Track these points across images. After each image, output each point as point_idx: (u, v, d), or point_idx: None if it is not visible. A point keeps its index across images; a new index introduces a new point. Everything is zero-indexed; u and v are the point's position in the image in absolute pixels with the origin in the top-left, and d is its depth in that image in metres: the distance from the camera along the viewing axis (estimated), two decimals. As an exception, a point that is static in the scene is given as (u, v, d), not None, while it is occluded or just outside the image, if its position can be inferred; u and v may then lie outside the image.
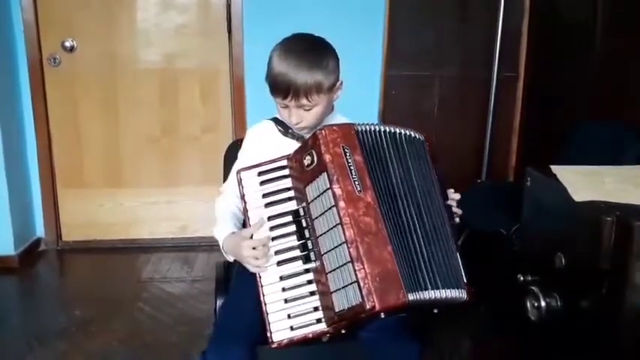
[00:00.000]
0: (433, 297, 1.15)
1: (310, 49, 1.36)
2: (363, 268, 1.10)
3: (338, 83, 1.40)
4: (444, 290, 1.16)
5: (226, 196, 1.48)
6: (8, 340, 2.26)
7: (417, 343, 1.32)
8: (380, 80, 3.00)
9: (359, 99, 2.88)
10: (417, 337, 1.33)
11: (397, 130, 1.27)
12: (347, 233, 1.13)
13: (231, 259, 1.39)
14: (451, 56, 3.03)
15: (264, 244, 1.26)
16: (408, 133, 1.28)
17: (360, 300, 1.10)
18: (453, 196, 1.35)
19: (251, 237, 1.28)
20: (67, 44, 2.91)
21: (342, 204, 1.15)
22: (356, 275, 1.11)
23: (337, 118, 1.50)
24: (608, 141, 2.01)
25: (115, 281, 2.77)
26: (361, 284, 1.10)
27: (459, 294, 1.18)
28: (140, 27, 2.96)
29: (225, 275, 1.59)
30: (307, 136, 1.43)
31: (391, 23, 2.93)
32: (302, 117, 1.38)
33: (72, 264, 3.07)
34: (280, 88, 1.33)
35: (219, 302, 1.50)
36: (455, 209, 1.34)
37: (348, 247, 1.12)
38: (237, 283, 1.47)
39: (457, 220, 1.35)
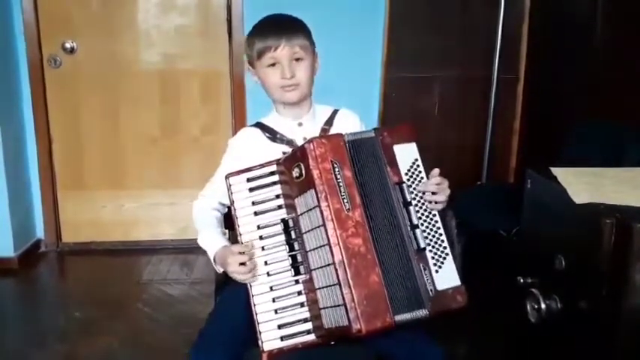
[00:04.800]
0: (422, 315, 1.15)
1: (283, 15, 1.42)
2: (350, 292, 1.10)
3: (316, 50, 1.42)
4: (417, 311, 1.14)
5: (205, 199, 1.48)
6: (8, 341, 2.26)
7: (439, 347, 1.29)
8: (380, 82, 3.00)
9: (359, 100, 2.88)
10: (438, 342, 1.29)
11: (361, 136, 1.23)
12: (335, 255, 1.12)
13: (220, 270, 1.38)
14: (451, 57, 3.02)
15: (250, 259, 1.25)
16: (363, 137, 1.23)
17: (347, 323, 1.10)
18: (433, 181, 1.24)
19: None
20: (68, 45, 2.92)
21: (330, 225, 1.13)
22: (343, 298, 1.10)
23: (319, 110, 1.48)
24: (609, 142, 2.00)
25: (115, 283, 2.77)
26: (348, 307, 1.10)
27: (421, 313, 1.15)
28: (140, 28, 2.97)
29: (225, 277, 1.59)
30: (293, 136, 1.40)
31: (391, 25, 2.93)
32: (294, 71, 1.36)
33: (72, 266, 3.07)
34: (271, 38, 1.34)
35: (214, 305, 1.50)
36: (436, 196, 1.23)
37: (336, 269, 1.12)
38: (230, 288, 1.47)
39: (439, 206, 1.24)
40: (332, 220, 1.13)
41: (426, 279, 1.17)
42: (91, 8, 2.92)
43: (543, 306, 1.35)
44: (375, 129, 1.26)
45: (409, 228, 1.19)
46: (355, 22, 2.89)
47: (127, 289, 2.68)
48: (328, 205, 1.14)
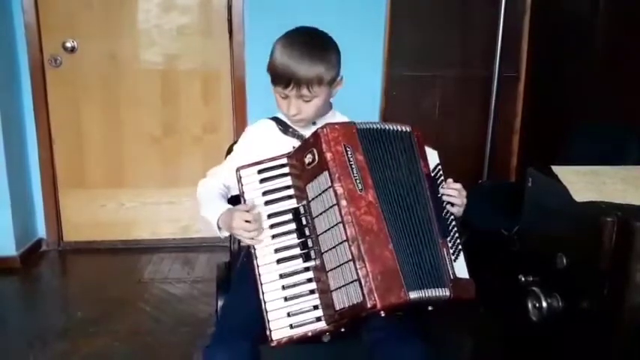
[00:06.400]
0: (434, 295, 1.16)
1: (313, 42, 1.38)
2: (365, 267, 1.11)
3: (338, 78, 1.42)
4: (439, 289, 1.17)
5: (213, 178, 1.49)
6: (10, 340, 2.27)
7: (422, 343, 1.31)
8: (381, 80, 3.00)
9: (360, 99, 2.88)
10: (421, 338, 1.32)
11: (390, 127, 1.28)
12: (348, 232, 1.14)
13: (224, 234, 1.38)
14: (452, 56, 3.03)
15: (256, 220, 1.27)
16: (396, 129, 1.28)
17: (362, 298, 1.10)
18: (453, 185, 1.32)
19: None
20: (68, 45, 2.92)
21: (343, 202, 1.15)
22: (357, 274, 1.11)
23: (338, 117, 1.51)
24: (609, 141, 2.00)
25: (116, 282, 2.77)
26: (362, 282, 1.10)
27: (442, 292, 1.18)
28: (141, 28, 2.97)
29: (226, 276, 1.59)
30: (305, 132, 1.44)
31: (392, 23, 2.93)
32: (301, 109, 1.38)
33: (73, 264, 3.07)
34: (282, 78, 1.35)
35: (220, 303, 1.50)
36: (454, 199, 1.31)
37: (350, 246, 1.13)
38: (238, 283, 1.48)
39: (457, 210, 1.32)
40: (345, 198, 1.16)
41: (448, 263, 1.22)
42: (92, 8, 2.91)
43: (544, 304, 1.35)
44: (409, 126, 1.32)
45: (435, 215, 1.25)
46: (356, 21, 2.89)
47: (128, 288, 2.69)
48: (342, 185, 1.17)
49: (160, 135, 3.08)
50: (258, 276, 1.26)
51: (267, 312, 1.23)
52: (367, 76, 2.97)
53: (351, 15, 2.88)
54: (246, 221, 1.27)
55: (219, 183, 1.48)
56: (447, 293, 1.18)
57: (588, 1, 2.46)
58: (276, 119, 1.50)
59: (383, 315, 1.12)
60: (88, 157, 3.08)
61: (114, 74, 2.99)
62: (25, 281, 2.82)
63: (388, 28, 2.93)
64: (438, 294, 1.17)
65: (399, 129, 1.29)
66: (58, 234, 3.12)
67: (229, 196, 1.48)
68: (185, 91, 3.05)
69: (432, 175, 1.30)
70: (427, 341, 1.32)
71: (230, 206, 1.38)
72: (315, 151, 1.22)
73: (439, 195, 1.30)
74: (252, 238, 1.28)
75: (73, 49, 2.93)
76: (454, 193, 1.31)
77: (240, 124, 2.98)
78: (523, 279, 1.44)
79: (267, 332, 1.22)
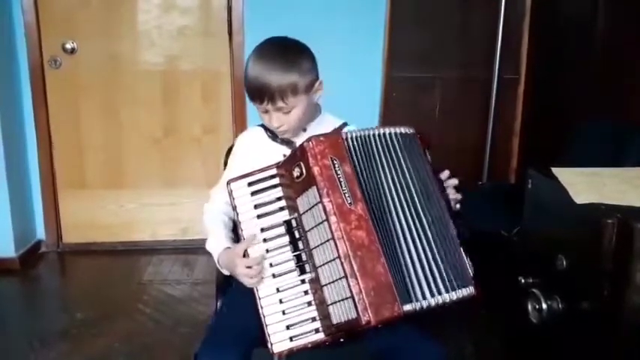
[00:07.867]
0: (432, 304, 1.15)
1: (282, 51, 1.35)
2: (357, 284, 1.10)
3: (317, 84, 1.38)
4: (444, 295, 1.16)
5: (215, 202, 1.47)
6: (9, 341, 2.26)
7: (441, 346, 1.30)
8: (381, 82, 3.00)
9: (360, 101, 2.89)
10: (440, 340, 1.31)
11: (386, 131, 1.25)
12: (340, 248, 1.12)
13: (227, 272, 1.38)
14: (452, 58, 3.03)
15: (258, 263, 1.25)
16: (397, 131, 1.25)
17: (356, 315, 1.10)
18: (449, 182, 1.31)
19: (245, 254, 1.28)
20: (68, 46, 2.92)
21: (333, 219, 1.14)
22: (350, 291, 1.10)
23: (327, 119, 1.48)
24: (609, 141, 2.00)
25: (116, 283, 2.77)
26: (356, 299, 1.10)
27: (465, 293, 1.17)
28: (141, 29, 2.97)
29: (226, 278, 1.59)
30: (294, 138, 1.42)
31: (392, 25, 2.93)
32: (282, 121, 1.36)
33: (73, 266, 3.07)
34: (255, 92, 1.33)
35: (219, 305, 1.50)
36: (452, 195, 1.30)
37: (342, 263, 1.12)
38: (236, 288, 1.47)
39: (457, 206, 1.32)
40: (335, 214, 1.14)
41: (467, 261, 1.21)
42: (92, 9, 2.92)
43: (544, 306, 1.35)
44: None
45: (449, 216, 1.24)
46: (356, 23, 2.89)
47: (127, 289, 2.68)
48: (330, 200, 1.15)
49: (159, 136, 3.08)
50: (255, 290, 1.26)
51: (266, 326, 1.23)
52: (367, 77, 2.97)
53: (351, 16, 2.89)
54: (248, 267, 1.26)
55: (221, 206, 1.46)
56: (472, 291, 1.17)
57: (588, 2, 2.47)
58: (264, 126, 1.47)
59: (380, 327, 1.11)
60: (87, 158, 3.08)
61: (114, 75, 2.99)
62: (24, 283, 2.82)
63: (388, 29, 2.93)
64: (458, 296, 1.16)
65: (403, 131, 1.26)
66: (57, 235, 3.11)
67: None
68: (185, 92, 3.05)
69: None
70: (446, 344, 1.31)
71: (229, 245, 1.37)
72: (302, 164, 1.20)
73: (444, 192, 1.29)
74: (253, 284, 1.27)
75: (72, 51, 2.93)
76: (452, 190, 1.30)
77: (239, 125, 2.98)
78: (523, 281, 1.44)
79: (269, 345, 1.22)
